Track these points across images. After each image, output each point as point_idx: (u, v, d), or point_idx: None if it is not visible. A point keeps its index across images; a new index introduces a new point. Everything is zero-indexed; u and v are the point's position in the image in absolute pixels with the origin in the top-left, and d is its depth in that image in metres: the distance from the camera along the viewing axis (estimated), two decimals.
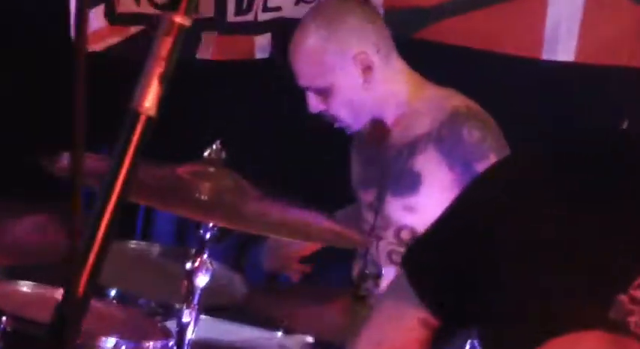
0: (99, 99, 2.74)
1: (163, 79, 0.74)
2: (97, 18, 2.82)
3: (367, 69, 2.17)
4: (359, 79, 2.17)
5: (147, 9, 2.85)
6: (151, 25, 2.76)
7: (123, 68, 2.83)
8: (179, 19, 0.75)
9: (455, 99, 2.19)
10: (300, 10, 2.60)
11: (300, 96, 2.27)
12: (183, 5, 0.75)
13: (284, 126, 2.85)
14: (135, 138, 0.74)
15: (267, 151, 2.90)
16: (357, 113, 2.21)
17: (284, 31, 2.62)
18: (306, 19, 2.25)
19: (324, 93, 2.18)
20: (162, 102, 0.73)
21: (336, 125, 2.25)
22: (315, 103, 2.20)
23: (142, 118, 0.74)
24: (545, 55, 2.44)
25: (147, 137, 0.74)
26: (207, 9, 2.82)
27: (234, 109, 2.94)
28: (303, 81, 2.20)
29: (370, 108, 2.22)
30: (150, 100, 0.74)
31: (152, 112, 0.74)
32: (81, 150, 0.69)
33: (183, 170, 1.83)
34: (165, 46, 0.75)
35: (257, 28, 2.78)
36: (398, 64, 2.24)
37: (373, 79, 2.18)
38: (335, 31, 2.16)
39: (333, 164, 2.50)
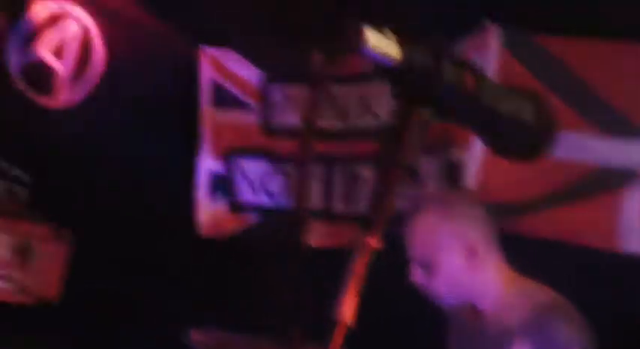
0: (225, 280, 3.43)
1: (359, 292, 1.09)
2: (220, 207, 3.60)
3: (472, 254, 2.58)
4: (462, 261, 2.58)
5: (263, 199, 3.59)
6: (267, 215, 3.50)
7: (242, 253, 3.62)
8: (374, 243, 1.12)
9: (544, 294, 2.55)
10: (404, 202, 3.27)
11: (404, 279, 2.75)
12: (377, 230, 1.12)
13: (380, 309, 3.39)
14: (336, 342, 1.09)
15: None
16: (454, 293, 2.60)
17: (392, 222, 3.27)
18: (426, 202, 2.73)
19: (429, 267, 2.59)
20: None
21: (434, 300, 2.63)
22: (417, 275, 2.61)
23: (342, 325, 1.10)
24: (624, 247, 2.96)
25: (344, 340, 1.18)
26: (315, 200, 3.52)
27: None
28: (412, 252, 2.63)
29: (468, 290, 2.61)
30: (349, 310, 1.10)
31: (350, 321, 1.08)
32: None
33: None
34: (360, 264, 1.12)
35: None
36: (497, 255, 2.65)
37: (475, 264, 2.59)
38: (451, 215, 2.61)
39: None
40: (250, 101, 3.74)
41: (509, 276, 2.64)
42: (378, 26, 1.09)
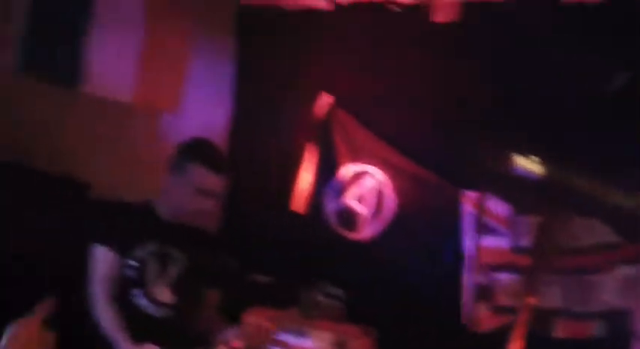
0: None
1: (523, 339, 1.82)
2: (482, 310, 4.23)
3: None
4: None
5: (518, 303, 4.18)
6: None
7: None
8: (532, 300, 1.84)
9: None
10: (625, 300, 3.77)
11: None
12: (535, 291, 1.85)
13: None
14: None
15: None
16: None
17: (613, 317, 3.80)
18: None
19: None
20: None
21: None
22: None
23: None
24: None
25: None
26: (557, 302, 4.10)
27: None
28: None
29: None
30: None
31: None
32: None
33: None
34: (525, 317, 1.84)
35: (594, 316, 3.95)
36: None
37: None
38: None
39: None
40: (502, 228, 4.32)
41: None
42: (527, 154, 1.58)
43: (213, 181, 3.57)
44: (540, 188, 3.21)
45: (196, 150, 3.66)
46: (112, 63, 4.78)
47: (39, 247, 4.10)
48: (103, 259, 3.52)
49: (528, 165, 1.30)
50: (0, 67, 4.53)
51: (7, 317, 3.33)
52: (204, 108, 5.09)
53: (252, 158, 4.95)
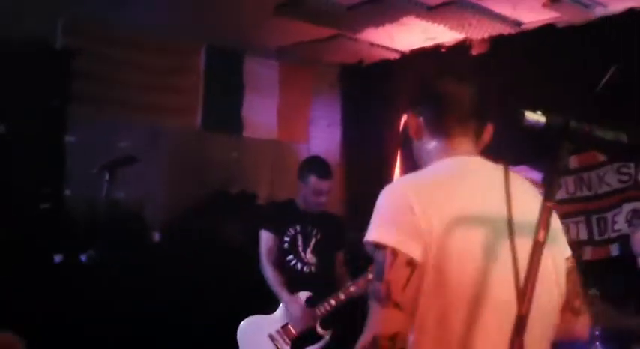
0: None
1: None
2: None
3: None
4: None
5: None
6: None
7: None
8: (541, 237, 1.22)
9: None
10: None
11: None
12: (544, 227, 1.21)
13: None
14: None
15: None
16: None
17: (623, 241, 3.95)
18: None
19: None
20: None
21: None
22: None
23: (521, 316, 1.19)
24: None
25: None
26: (582, 235, 4.29)
27: None
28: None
29: None
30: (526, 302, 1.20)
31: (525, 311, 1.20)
32: None
33: None
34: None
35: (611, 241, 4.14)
36: None
37: None
38: None
39: None
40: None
41: None
42: (534, 109, 1.31)
43: (323, 185, 3.86)
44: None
45: (310, 165, 3.98)
46: (261, 115, 5.23)
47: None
48: (266, 239, 3.92)
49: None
50: (189, 128, 4.96)
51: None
52: (323, 138, 5.58)
53: (358, 167, 5.32)
